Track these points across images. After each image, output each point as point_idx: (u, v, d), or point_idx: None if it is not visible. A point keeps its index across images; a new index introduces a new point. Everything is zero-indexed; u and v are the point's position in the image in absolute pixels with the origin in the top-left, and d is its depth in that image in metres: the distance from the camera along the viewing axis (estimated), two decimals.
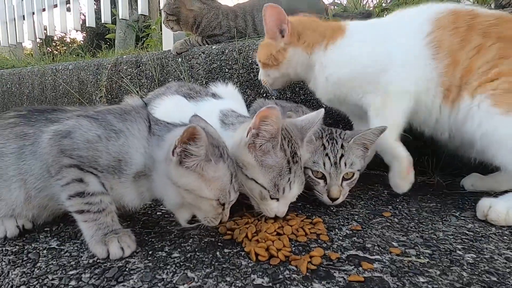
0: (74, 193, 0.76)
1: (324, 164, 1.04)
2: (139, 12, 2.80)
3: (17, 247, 0.83)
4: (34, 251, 0.81)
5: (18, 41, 4.12)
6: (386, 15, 2.13)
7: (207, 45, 2.17)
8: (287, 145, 0.90)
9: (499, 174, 1.19)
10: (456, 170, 1.41)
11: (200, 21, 2.13)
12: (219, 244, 0.83)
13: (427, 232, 0.90)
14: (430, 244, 0.83)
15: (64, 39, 12.64)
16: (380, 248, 0.81)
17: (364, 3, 2.58)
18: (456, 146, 1.16)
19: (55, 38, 11.94)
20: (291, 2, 2.10)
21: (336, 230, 0.91)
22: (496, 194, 1.16)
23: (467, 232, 0.90)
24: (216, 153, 0.79)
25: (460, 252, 0.79)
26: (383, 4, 2.24)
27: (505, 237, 0.87)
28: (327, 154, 1.05)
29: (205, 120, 0.89)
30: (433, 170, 1.42)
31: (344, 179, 1.07)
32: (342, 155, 1.05)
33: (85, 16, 3.37)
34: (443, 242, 0.84)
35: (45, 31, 3.80)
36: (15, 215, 0.86)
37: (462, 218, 1.00)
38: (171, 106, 1.03)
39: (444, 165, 1.42)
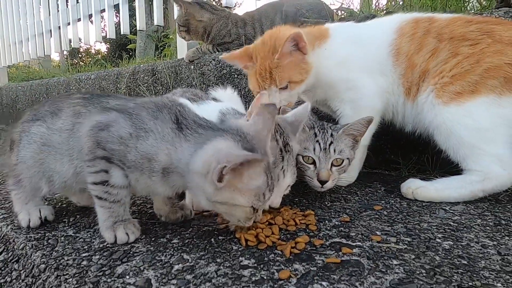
0: (99, 181, 0.85)
1: (314, 149, 1.14)
2: (155, 23, 2.95)
3: (39, 234, 0.95)
4: (54, 237, 0.92)
5: (46, 53, 4.39)
6: None
7: (217, 53, 2.28)
8: (279, 136, 0.97)
9: None
10: (456, 167, 1.44)
11: (210, 30, 2.24)
12: (215, 232, 0.92)
13: (412, 223, 0.95)
14: (412, 233, 0.88)
15: (90, 50, 13.21)
16: (363, 236, 0.87)
17: (373, 6, 2.63)
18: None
19: (81, 50, 12.52)
20: (299, 10, 2.19)
21: (326, 221, 0.98)
22: None
23: (451, 224, 0.94)
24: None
25: (438, 240, 0.84)
26: (388, 8, 2.28)
27: (487, 228, 0.90)
28: (317, 141, 1.15)
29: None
30: (432, 168, 1.45)
31: (333, 165, 1.15)
32: (331, 142, 1.14)
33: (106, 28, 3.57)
34: (425, 231, 0.89)
35: (70, 44, 4.03)
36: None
37: (451, 211, 1.04)
38: None
39: (443, 162, 1.45)
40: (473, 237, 0.85)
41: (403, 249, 0.79)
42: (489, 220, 0.96)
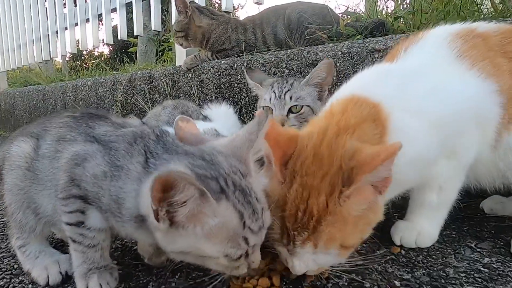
0: (74, 222, 0.73)
1: (270, 98, 1.16)
2: (153, 28, 2.84)
3: (4, 280, 0.83)
4: (19, 285, 0.80)
5: (44, 58, 4.29)
6: (399, 23, 2.05)
7: (216, 60, 2.16)
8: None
9: None
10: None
11: (209, 36, 2.12)
12: (205, 280, 0.79)
13: (435, 268, 0.81)
14: (437, 285, 0.75)
15: (93, 52, 13.18)
16: None
17: (379, 10, 2.50)
18: None
19: (84, 53, 12.48)
20: (302, 15, 2.06)
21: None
22: None
23: (482, 269, 0.81)
24: (214, 188, 0.59)
25: None
26: (396, 13, 2.15)
27: None
28: (273, 91, 1.18)
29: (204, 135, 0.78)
30: None
31: (291, 111, 1.15)
32: (288, 90, 1.15)
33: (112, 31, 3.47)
34: (453, 282, 0.76)
35: (65, 49, 3.94)
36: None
37: (478, 250, 0.90)
38: None
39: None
40: None
41: None
42: None
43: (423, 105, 0.81)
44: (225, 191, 0.59)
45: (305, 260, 0.69)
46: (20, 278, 0.84)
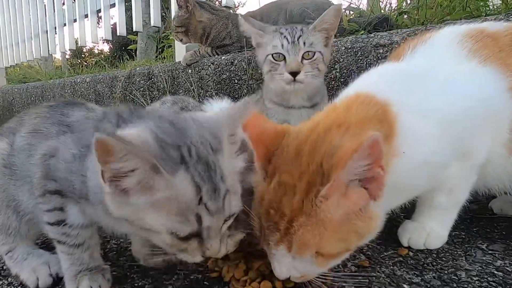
0: (54, 221, 0.69)
1: (282, 45, 1.12)
2: (152, 23, 2.80)
3: None
4: None
5: (50, 53, 4.25)
6: (404, 19, 2.00)
7: (216, 56, 2.12)
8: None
9: None
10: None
11: (209, 32, 2.08)
12: (205, 283, 0.75)
13: (446, 271, 0.77)
14: None
15: (93, 50, 13.12)
16: None
17: (383, 6, 2.45)
18: None
19: (84, 50, 12.42)
20: (304, 10, 2.01)
21: (340, 266, 0.80)
22: None
23: (496, 272, 0.76)
24: (174, 157, 0.54)
25: None
26: (400, 8, 2.10)
27: None
28: (284, 36, 1.13)
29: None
30: None
31: (304, 57, 1.13)
32: (300, 36, 1.12)
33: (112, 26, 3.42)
34: (465, 286, 0.71)
35: (64, 46, 3.89)
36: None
37: (490, 252, 0.86)
38: None
39: None
40: None
41: None
42: None
43: (433, 105, 0.76)
44: (186, 161, 0.53)
45: (284, 264, 0.63)
46: (9, 279, 0.80)
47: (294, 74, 1.12)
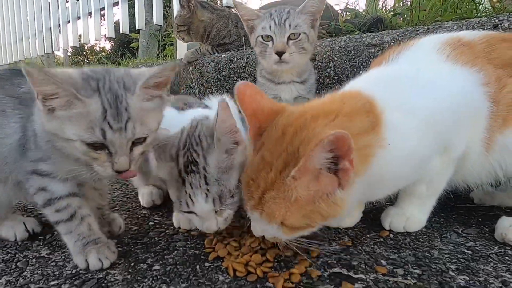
0: (44, 202, 0.79)
1: (270, 27, 1.25)
2: (154, 22, 2.87)
3: (9, 255, 0.86)
4: (24, 259, 0.84)
5: (46, 51, 4.33)
6: (398, 20, 2.08)
7: (217, 54, 2.20)
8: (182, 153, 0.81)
9: (511, 186, 1.11)
10: None
11: (210, 30, 2.15)
12: (201, 257, 0.83)
13: (421, 250, 0.85)
14: (422, 264, 0.78)
15: (94, 48, 13.17)
16: (366, 266, 0.77)
17: (379, 8, 2.53)
18: None
19: (86, 47, 12.47)
20: None
21: (326, 244, 0.88)
22: (506, 208, 1.10)
23: (466, 251, 0.84)
24: (92, 86, 0.68)
25: (452, 273, 0.74)
26: (395, 10, 2.18)
27: (506, 258, 0.81)
28: (273, 18, 1.25)
29: None
30: None
31: (290, 38, 1.26)
32: (287, 18, 1.24)
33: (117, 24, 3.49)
34: (436, 261, 0.79)
35: (68, 43, 3.96)
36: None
37: (464, 235, 0.94)
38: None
39: None
40: (491, 270, 0.75)
41: (411, 285, 0.69)
42: (507, 248, 0.86)
43: (417, 102, 0.83)
44: (100, 90, 0.68)
45: (259, 226, 0.75)
46: None
47: (280, 54, 1.26)
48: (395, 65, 0.96)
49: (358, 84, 0.91)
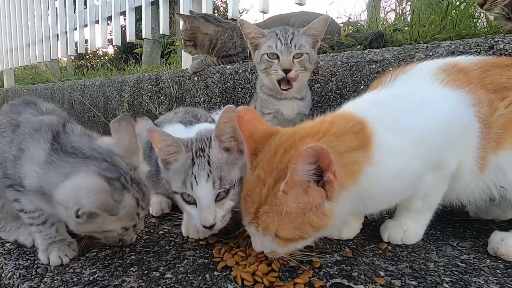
0: (19, 209, 0.89)
1: (276, 46, 1.33)
2: (161, 32, 2.94)
3: (29, 261, 0.91)
4: (43, 265, 0.89)
5: (52, 57, 4.40)
6: (398, 36, 2.14)
7: (222, 65, 2.26)
8: (196, 146, 0.93)
9: (504, 202, 1.17)
10: None
11: (216, 42, 2.21)
12: (211, 266, 0.88)
13: (417, 262, 0.90)
14: (418, 276, 0.83)
15: (97, 52, 13.28)
16: (366, 277, 0.82)
17: (381, 21, 2.59)
18: None
19: (88, 52, 12.58)
20: (306, 24, 2.15)
21: (328, 255, 0.93)
22: (501, 222, 1.15)
23: (459, 264, 0.89)
24: (118, 188, 0.78)
25: (446, 286, 0.79)
26: (396, 25, 2.24)
27: (497, 271, 0.86)
28: (279, 38, 1.33)
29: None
30: None
31: (294, 57, 1.33)
32: (292, 39, 1.32)
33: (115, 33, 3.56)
34: (432, 273, 0.84)
35: (76, 49, 4.03)
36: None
37: (459, 248, 0.99)
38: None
39: None
40: (482, 282, 0.80)
41: None
42: (499, 262, 0.91)
43: (409, 123, 0.87)
44: (126, 187, 0.80)
45: (258, 240, 0.80)
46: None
47: (286, 71, 1.34)
48: (391, 88, 1.01)
49: (351, 106, 0.96)
